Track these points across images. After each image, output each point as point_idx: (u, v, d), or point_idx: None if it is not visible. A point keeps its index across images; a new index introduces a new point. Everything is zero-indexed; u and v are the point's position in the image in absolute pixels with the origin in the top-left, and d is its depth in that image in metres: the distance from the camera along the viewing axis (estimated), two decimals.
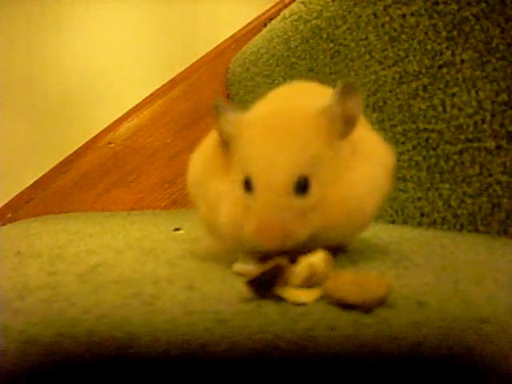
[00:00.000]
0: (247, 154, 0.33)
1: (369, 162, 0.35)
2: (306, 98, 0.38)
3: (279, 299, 0.26)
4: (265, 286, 0.26)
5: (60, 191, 1.12)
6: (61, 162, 1.13)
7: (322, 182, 0.32)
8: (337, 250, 0.33)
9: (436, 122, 0.54)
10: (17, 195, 1.11)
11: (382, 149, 0.37)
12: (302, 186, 0.31)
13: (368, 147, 0.36)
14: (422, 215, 0.57)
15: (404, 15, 0.57)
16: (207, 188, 0.36)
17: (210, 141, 0.39)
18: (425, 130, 0.56)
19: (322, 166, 0.32)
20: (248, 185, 0.32)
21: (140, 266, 0.37)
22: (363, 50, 0.65)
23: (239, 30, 1.24)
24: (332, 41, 0.73)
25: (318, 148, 0.32)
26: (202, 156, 0.39)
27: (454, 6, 0.50)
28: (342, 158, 0.34)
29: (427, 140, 0.56)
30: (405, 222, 0.60)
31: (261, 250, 0.31)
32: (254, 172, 0.32)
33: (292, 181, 0.31)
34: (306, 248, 0.31)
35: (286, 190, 0.31)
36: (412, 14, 0.56)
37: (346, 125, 0.34)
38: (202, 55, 1.22)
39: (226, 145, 0.35)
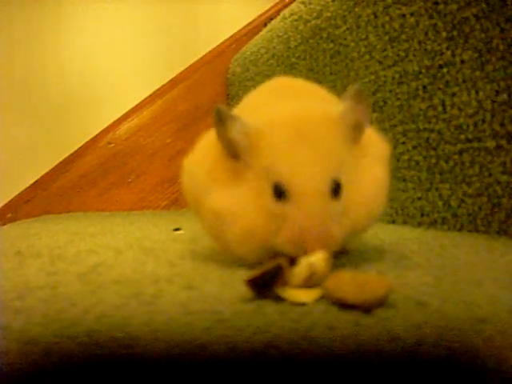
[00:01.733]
0: (274, 160, 0.32)
1: (377, 162, 0.36)
2: (305, 98, 0.38)
3: (279, 299, 0.26)
4: (265, 285, 0.26)
5: (60, 191, 1.12)
6: (61, 162, 1.13)
7: (345, 185, 0.32)
8: (337, 252, 0.32)
9: (436, 122, 0.54)
10: (17, 195, 1.11)
11: (380, 143, 0.38)
12: (336, 190, 0.31)
13: (372, 146, 0.36)
14: (422, 215, 0.57)
15: (404, 15, 0.57)
16: (213, 198, 0.34)
17: (208, 147, 0.37)
18: (425, 129, 0.56)
19: (345, 170, 0.33)
20: (279, 192, 0.31)
21: (140, 265, 0.37)
22: (363, 49, 0.65)
23: (239, 30, 1.24)
24: (332, 41, 0.73)
25: (342, 152, 0.33)
26: (201, 163, 0.36)
27: (454, 6, 0.50)
28: (355, 162, 0.34)
29: (427, 140, 0.56)
30: (405, 222, 0.60)
31: (294, 255, 0.30)
32: (287, 178, 0.31)
33: (328, 185, 0.31)
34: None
35: (324, 195, 0.31)
36: (412, 14, 0.56)
37: (356, 130, 0.34)
38: (202, 55, 1.23)
39: (233, 154, 0.34)
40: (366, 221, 0.34)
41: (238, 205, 0.33)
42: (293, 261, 0.29)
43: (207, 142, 0.37)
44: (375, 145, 0.37)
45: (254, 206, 0.32)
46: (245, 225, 0.32)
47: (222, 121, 0.33)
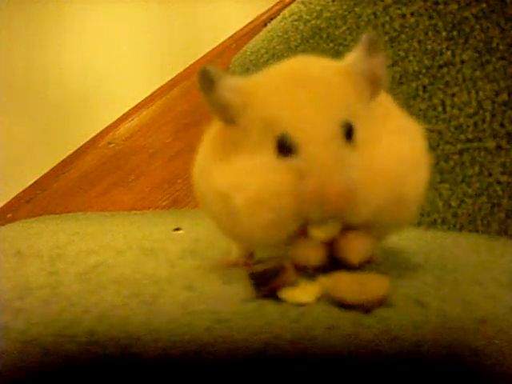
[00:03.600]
0: (274, 113, 0.27)
1: (408, 132, 0.30)
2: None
3: (279, 299, 0.26)
4: (265, 282, 0.26)
5: (60, 191, 1.12)
6: (61, 162, 1.13)
7: (360, 138, 0.27)
8: (363, 262, 0.29)
9: (436, 122, 0.54)
10: (17, 195, 1.11)
11: (411, 121, 0.32)
12: (349, 132, 0.27)
13: (403, 122, 0.31)
14: (422, 215, 0.57)
15: (404, 15, 0.57)
16: (214, 177, 0.29)
17: (212, 128, 0.33)
18: (425, 129, 0.56)
19: (359, 120, 0.28)
20: (284, 146, 0.27)
21: (140, 266, 0.37)
22: None
23: (239, 30, 1.24)
24: (332, 41, 0.73)
25: (353, 99, 0.28)
26: (205, 146, 0.33)
27: (454, 6, 0.50)
28: (376, 121, 0.29)
29: (427, 140, 0.56)
30: None
31: (321, 216, 0.26)
32: (292, 128, 0.26)
33: (340, 126, 0.27)
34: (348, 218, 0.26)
35: (337, 139, 0.26)
36: (412, 14, 0.56)
37: (372, 84, 0.29)
38: (202, 55, 1.23)
39: (227, 118, 0.30)
40: (395, 197, 0.27)
41: (242, 174, 0.28)
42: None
43: (212, 130, 0.33)
44: (404, 119, 0.31)
45: (258, 171, 0.27)
46: (254, 191, 0.27)
47: (209, 81, 0.29)
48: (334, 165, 0.26)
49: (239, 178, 0.28)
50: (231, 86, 0.29)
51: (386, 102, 0.31)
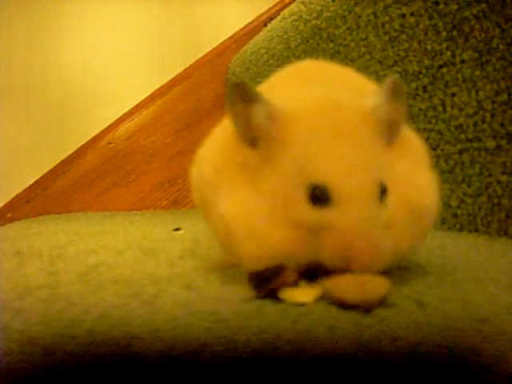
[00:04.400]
0: (311, 156, 0.26)
1: (420, 166, 0.30)
2: (336, 84, 0.33)
3: (279, 299, 0.26)
4: (265, 282, 0.26)
5: (60, 191, 1.12)
6: (61, 162, 1.13)
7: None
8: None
9: (436, 122, 0.54)
10: (17, 195, 1.11)
11: (419, 143, 0.32)
12: (383, 194, 0.27)
13: (410, 147, 0.31)
14: None
15: (404, 15, 0.57)
16: (223, 202, 0.28)
17: (223, 133, 0.31)
18: (425, 129, 0.56)
19: (385, 172, 0.28)
20: (318, 196, 0.26)
21: (140, 266, 0.37)
22: (363, 49, 0.65)
23: (239, 30, 1.24)
24: (332, 41, 0.73)
25: (382, 152, 0.28)
26: (210, 157, 0.30)
27: (454, 6, 0.50)
28: (392, 166, 0.28)
29: (427, 140, 0.56)
30: None
31: (339, 267, 0.26)
32: (331, 178, 0.25)
33: (378, 187, 0.26)
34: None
35: (374, 199, 0.26)
36: (412, 14, 0.56)
37: (391, 128, 0.29)
38: (202, 55, 1.23)
39: (252, 142, 0.28)
40: (412, 236, 0.28)
41: (256, 214, 0.26)
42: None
43: (223, 129, 0.31)
44: (414, 146, 0.31)
45: (279, 215, 0.26)
46: (266, 242, 0.26)
47: (243, 97, 0.27)
48: (369, 224, 0.25)
49: (256, 218, 0.27)
50: (268, 109, 0.27)
51: (401, 141, 0.31)
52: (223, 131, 0.31)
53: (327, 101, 0.28)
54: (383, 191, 0.27)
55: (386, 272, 0.30)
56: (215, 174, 0.29)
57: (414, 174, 0.29)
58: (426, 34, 0.54)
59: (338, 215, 0.25)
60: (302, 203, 0.26)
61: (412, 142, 0.32)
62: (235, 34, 1.24)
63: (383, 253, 0.26)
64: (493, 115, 0.47)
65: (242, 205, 0.27)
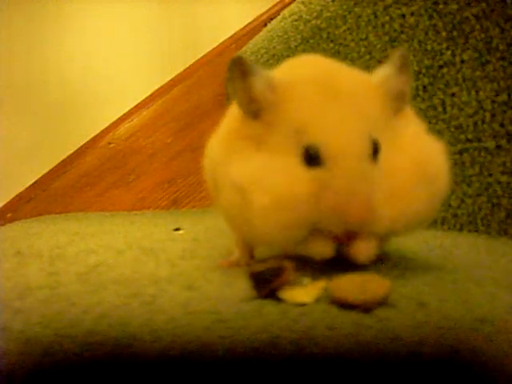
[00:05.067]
0: (305, 120, 0.28)
1: (431, 139, 0.31)
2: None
3: (279, 299, 0.26)
4: (265, 282, 0.26)
5: (60, 191, 1.12)
6: (61, 162, 1.13)
7: (383, 154, 0.28)
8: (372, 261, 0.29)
9: (436, 122, 0.54)
10: (17, 195, 1.11)
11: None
12: (375, 150, 0.28)
13: (418, 120, 0.32)
14: None
15: (404, 15, 0.57)
16: (232, 170, 0.29)
17: (227, 121, 0.32)
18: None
19: (382, 135, 0.28)
20: (311, 156, 0.27)
21: (140, 266, 0.37)
22: (363, 49, 0.65)
23: (239, 30, 1.24)
24: (332, 41, 0.73)
25: (381, 116, 0.29)
26: (220, 139, 0.32)
27: (454, 6, 0.50)
28: (398, 134, 0.29)
29: None
30: None
31: (339, 228, 0.27)
32: (323, 140, 0.27)
33: (369, 145, 0.27)
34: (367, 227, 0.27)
35: (366, 157, 0.27)
36: (412, 14, 0.56)
37: (397, 100, 0.30)
38: (202, 55, 1.23)
39: (254, 113, 0.29)
40: (422, 201, 0.28)
41: (263, 172, 0.28)
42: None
43: (225, 122, 0.33)
44: (418, 119, 0.32)
45: (280, 173, 0.27)
46: (274, 193, 0.27)
47: (242, 71, 0.29)
48: (360, 182, 0.26)
49: (260, 175, 0.28)
50: (266, 80, 0.29)
51: (407, 113, 0.32)
52: (227, 119, 0.33)
53: (325, 71, 0.30)
54: (376, 149, 0.28)
55: (386, 272, 0.30)
56: (224, 152, 0.30)
57: (423, 139, 0.30)
58: (426, 34, 0.54)
59: (331, 175, 0.27)
60: (299, 163, 0.27)
61: (415, 116, 0.32)
62: (235, 34, 1.24)
63: (380, 208, 0.27)
64: (493, 115, 0.47)
65: (251, 166, 0.28)
